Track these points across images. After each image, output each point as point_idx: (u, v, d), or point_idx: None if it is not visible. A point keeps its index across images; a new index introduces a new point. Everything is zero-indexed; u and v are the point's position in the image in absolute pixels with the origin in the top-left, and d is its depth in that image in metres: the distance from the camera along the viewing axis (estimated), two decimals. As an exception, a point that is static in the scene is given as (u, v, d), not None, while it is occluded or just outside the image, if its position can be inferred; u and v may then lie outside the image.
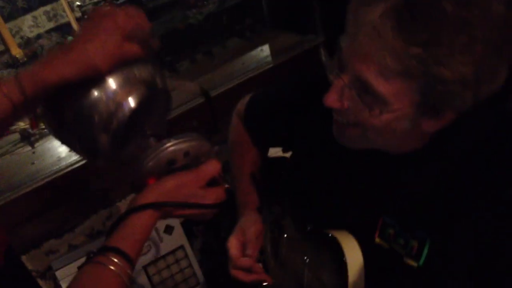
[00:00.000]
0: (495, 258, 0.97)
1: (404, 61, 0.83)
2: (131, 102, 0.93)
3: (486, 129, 1.02)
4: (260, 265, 1.27)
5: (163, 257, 1.76)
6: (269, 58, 2.03)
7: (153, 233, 1.73)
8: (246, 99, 1.44)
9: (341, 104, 0.95)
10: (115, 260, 0.85)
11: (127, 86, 0.93)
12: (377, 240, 1.10)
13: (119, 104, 0.93)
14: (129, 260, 0.86)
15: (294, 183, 1.30)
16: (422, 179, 1.04)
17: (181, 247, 1.79)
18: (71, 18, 2.05)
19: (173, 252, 1.77)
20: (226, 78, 1.94)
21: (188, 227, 1.83)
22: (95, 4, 2.04)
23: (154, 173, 0.94)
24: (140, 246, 0.90)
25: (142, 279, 1.72)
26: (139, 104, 0.93)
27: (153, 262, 1.74)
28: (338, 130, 1.03)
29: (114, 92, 0.93)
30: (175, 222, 1.77)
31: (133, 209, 0.90)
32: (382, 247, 1.09)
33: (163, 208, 0.92)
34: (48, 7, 2.15)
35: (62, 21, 2.17)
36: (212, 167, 0.96)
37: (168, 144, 0.94)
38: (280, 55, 2.03)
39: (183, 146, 0.95)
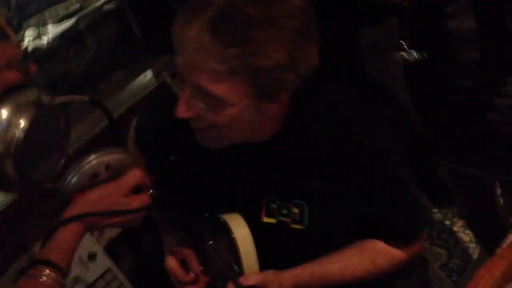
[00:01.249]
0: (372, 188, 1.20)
1: (227, 62, 0.99)
2: (23, 123, 0.98)
3: (321, 102, 1.22)
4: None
5: (93, 283, 1.84)
6: (153, 80, 2.19)
7: (78, 263, 1.81)
8: (134, 122, 1.54)
9: (191, 113, 1.09)
10: (47, 271, 0.89)
11: (16, 111, 0.99)
12: (265, 219, 1.26)
13: (13, 128, 0.98)
14: (60, 270, 0.90)
15: (189, 190, 1.40)
16: (287, 157, 1.22)
17: (108, 270, 1.88)
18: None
19: (102, 276, 1.86)
20: (115, 107, 2.08)
21: (112, 249, 1.93)
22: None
23: (79, 188, 1.00)
24: (70, 256, 0.95)
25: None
26: (32, 124, 0.98)
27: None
28: (200, 136, 1.17)
29: (6, 119, 0.99)
30: (97, 248, 1.86)
31: (59, 223, 0.95)
32: (271, 224, 1.25)
33: (89, 219, 0.97)
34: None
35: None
36: (133, 176, 1.01)
37: (89, 159, 1.00)
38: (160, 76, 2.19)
39: (104, 159, 1.01)
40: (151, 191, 1.05)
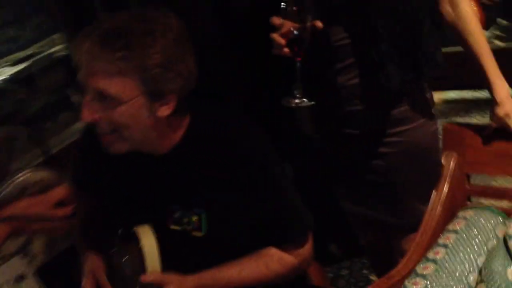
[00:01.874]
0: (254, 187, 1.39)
1: (115, 64, 1.22)
2: None
3: (214, 122, 1.42)
4: None
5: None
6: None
7: (5, 285, 1.93)
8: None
9: (94, 117, 1.28)
10: None
11: None
12: (172, 226, 1.43)
13: None
14: None
15: (107, 206, 1.58)
16: (186, 169, 1.41)
17: (36, 294, 2.00)
18: None
19: (28, 300, 1.98)
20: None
21: (42, 274, 2.06)
22: None
23: (9, 199, 1.20)
24: None
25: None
26: None
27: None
28: (105, 142, 1.35)
29: None
30: (27, 271, 1.98)
31: None
32: (176, 231, 1.43)
33: (15, 222, 1.17)
34: None
35: None
36: (58, 192, 1.24)
37: (20, 175, 1.22)
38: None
39: (34, 176, 1.23)
40: (73, 205, 1.26)
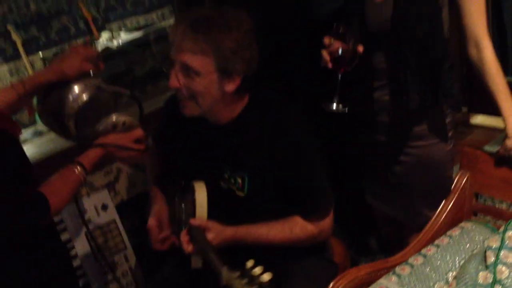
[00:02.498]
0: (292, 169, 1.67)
1: (200, 45, 1.57)
2: (85, 97, 1.65)
3: (267, 105, 1.76)
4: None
5: (101, 227, 2.44)
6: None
7: (93, 209, 2.42)
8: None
9: (178, 83, 1.64)
10: (79, 168, 1.56)
11: (84, 88, 1.65)
12: (222, 184, 1.78)
13: (79, 99, 1.63)
14: (86, 171, 1.57)
15: (173, 162, 1.97)
16: (238, 139, 1.74)
17: (113, 221, 2.48)
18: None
19: (107, 224, 2.46)
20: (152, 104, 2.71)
21: (120, 208, 2.54)
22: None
23: (103, 132, 1.66)
24: (93, 164, 1.61)
25: (83, 242, 2.39)
26: (91, 99, 1.65)
27: (93, 229, 2.41)
28: (182, 105, 1.71)
29: (76, 92, 1.64)
30: (109, 202, 2.46)
31: (92, 145, 1.62)
32: (224, 188, 1.77)
33: (106, 148, 1.63)
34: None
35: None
36: (137, 132, 1.69)
37: (113, 115, 1.67)
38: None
39: (122, 118, 1.68)
40: (148, 142, 1.71)
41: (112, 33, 3.01)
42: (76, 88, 1.65)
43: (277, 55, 2.23)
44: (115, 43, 2.99)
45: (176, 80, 1.64)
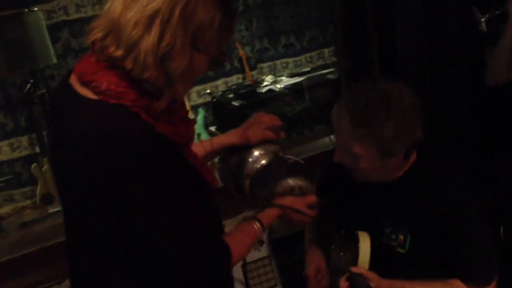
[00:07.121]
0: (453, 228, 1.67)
1: (360, 138, 1.64)
2: (264, 162, 1.73)
3: (431, 164, 1.79)
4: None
5: (255, 261, 2.59)
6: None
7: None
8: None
9: (340, 160, 1.75)
10: (258, 224, 1.57)
11: (263, 154, 1.74)
12: (382, 239, 1.81)
13: (257, 163, 1.73)
14: (263, 227, 1.59)
15: (337, 213, 2.01)
16: (403, 195, 1.78)
17: (267, 257, 2.62)
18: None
19: (261, 258, 2.60)
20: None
21: (272, 246, 2.67)
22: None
23: (283, 194, 1.74)
24: (270, 222, 1.67)
25: (239, 274, 2.52)
26: (268, 164, 1.73)
27: (247, 264, 2.55)
28: (351, 173, 1.80)
29: (256, 156, 1.74)
30: (265, 239, 2.60)
31: (272, 204, 1.69)
32: (384, 243, 1.81)
33: (284, 209, 1.70)
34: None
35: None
36: (311, 198, 1.74)
37: (290, 181, 1.76)
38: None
39: (299, 183, 1.76)
40: (318, 208, 1.76)
41: (275, 78, 3.18)
42: (256, 153, 1.75)
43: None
44: (278, 86, 3.15)
45: (340, 157, 1.75)
